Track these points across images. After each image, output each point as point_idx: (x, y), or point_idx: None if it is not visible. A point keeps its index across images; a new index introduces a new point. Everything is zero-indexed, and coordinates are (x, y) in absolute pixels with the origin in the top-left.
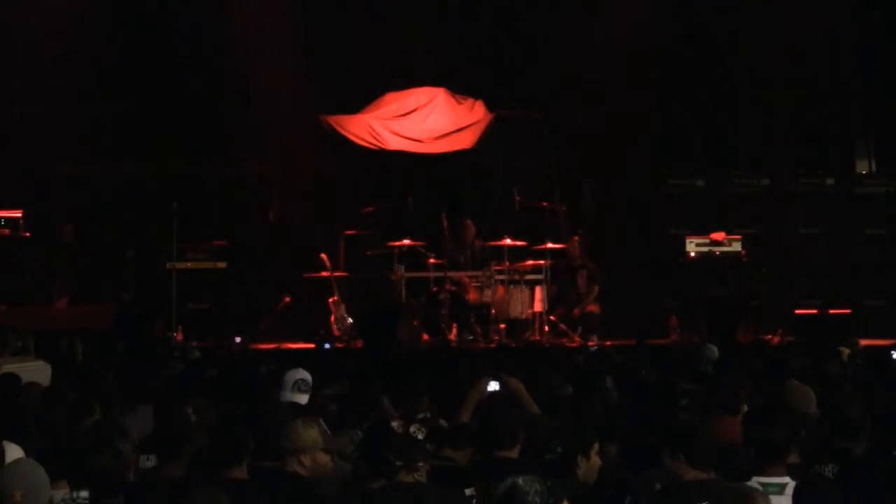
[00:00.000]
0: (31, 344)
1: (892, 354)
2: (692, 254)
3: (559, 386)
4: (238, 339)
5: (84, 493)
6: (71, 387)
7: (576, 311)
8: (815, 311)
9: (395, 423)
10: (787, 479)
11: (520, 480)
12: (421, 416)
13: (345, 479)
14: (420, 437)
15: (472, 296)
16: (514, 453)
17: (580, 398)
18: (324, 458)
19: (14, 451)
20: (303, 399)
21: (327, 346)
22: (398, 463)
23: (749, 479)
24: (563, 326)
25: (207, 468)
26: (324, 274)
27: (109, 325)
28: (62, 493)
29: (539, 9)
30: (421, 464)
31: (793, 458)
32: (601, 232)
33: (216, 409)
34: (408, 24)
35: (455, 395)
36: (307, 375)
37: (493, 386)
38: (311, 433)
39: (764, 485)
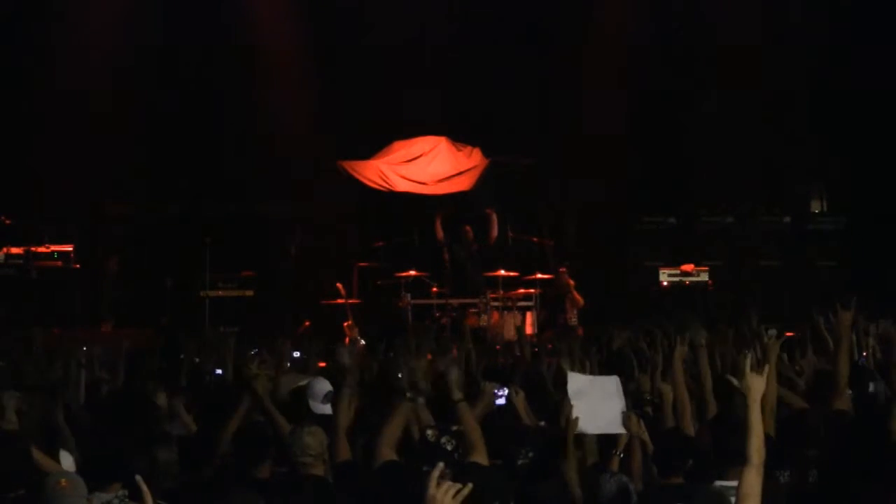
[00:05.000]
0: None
1: None
2: (665, 283)
3: None
4: None
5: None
6: None
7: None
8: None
9: (429, 432)
10: None
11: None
12: (455, 427)
13: None
14: (449, 448)
15: (470, 320)
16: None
17: None
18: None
19: (65, 458)
20: (328, 409)
21: None
22: (424, 468)
23: (713, 482)
24: (550, 347)
25: (237, 469)
26: (340, 301)
27: (150, 345)
28: (114, 492)
29: (526, 64)
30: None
31: None
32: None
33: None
34: (412, 81)
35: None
36: (331, 387)
37: (500, 399)
38: (320, 439)
39: (725, 488)
